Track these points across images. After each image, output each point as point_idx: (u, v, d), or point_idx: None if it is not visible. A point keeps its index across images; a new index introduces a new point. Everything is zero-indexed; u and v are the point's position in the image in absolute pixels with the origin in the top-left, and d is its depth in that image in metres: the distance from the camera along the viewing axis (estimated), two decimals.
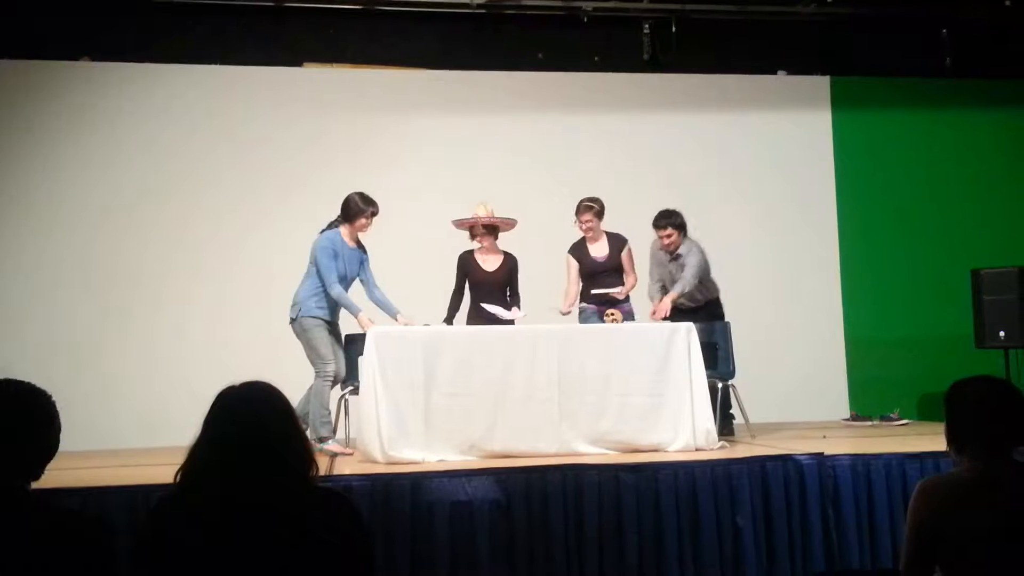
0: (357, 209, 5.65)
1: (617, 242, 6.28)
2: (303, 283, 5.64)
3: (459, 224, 6.19)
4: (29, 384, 2.18)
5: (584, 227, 6.22)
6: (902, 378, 7.87)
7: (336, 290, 5.51)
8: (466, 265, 6.13)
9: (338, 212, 5.78)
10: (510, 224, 6.16)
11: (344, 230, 5.70)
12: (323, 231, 5.73)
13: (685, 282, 6.16)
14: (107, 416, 6.71)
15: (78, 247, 7.27)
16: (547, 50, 8.12)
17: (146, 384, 7.08)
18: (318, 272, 5.54)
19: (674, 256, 6.34)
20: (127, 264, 7.33)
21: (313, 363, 5.52)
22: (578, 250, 6.30)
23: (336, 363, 5.58)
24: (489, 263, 6.14)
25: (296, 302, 5.61)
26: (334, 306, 5.63)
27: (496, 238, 6.15)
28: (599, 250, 6.27)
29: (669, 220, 6.26)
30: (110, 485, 4.24)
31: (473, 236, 6.15)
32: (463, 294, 6.14)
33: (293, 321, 5.60)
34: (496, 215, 6.10)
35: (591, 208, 6.19)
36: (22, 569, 1.91)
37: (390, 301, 5.83)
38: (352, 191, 5.77)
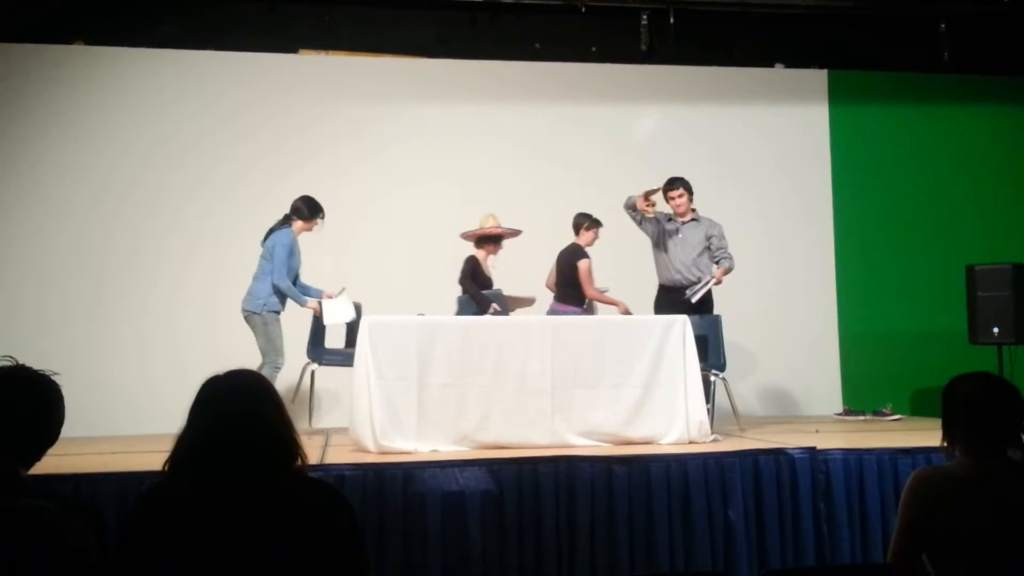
0: (316, 212, 6.11)
1: None
2: (262, 279, 5.96)
3: (467, 236, 6.33)
4: (35, 371, 2.18)
5: (594, 241, 6.47)
6: (895, 373, 7.88)
7: (285, 283, 5.93)
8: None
9: (306, 204, 6.13)
10: (515, 233, 6.33)
11: (298, 227, 6.09)
12: (277, 229, 6.04)
13: (730, 257, 6.36)
14: (99, 403, 6.67)
15: (70, 233, 7.24)
16: (544, 40, 8.10)
17: (139, 371, 7.07)
18: (275, 266, 5.90)
19: (686, 222, 6.39)
20: (120, 250, 7.30)
21: (267, 354, 5.86)
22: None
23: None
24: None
25: (259, 296, 5.93)
26: (284, 300, 6.04)
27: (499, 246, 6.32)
28: None
29: (681, 181, 6.38)
30: (102, 471, 4.24)
31: (479, 245, 6.27)
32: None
33: (255, 314, 5.91)
34: (501, 224, 6.28)
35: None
36: (11, 554, 1.90)
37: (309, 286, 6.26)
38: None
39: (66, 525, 1.70)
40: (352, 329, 5.95)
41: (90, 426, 6.16)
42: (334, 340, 6.37)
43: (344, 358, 5.79)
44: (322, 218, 6.12)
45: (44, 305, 7.10)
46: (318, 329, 6.22)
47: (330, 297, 6.09)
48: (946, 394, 2.57)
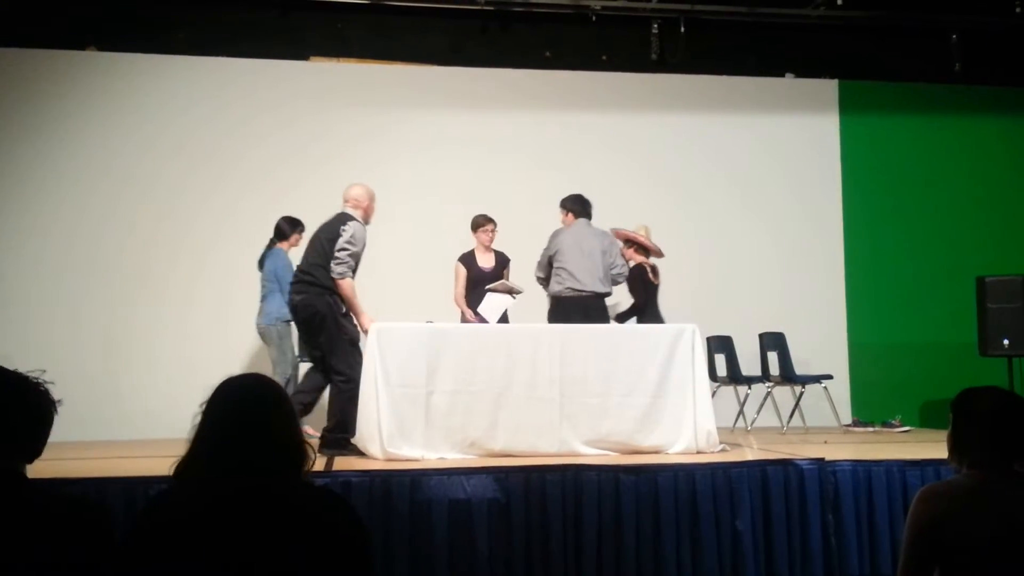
0: (296, 227, 6.61)
1: (501, 258, 6.70)
2: (271, 298, 6.46)
3: (619, 233, 6.65)
4: (22, 374, 2.17)
5: (488, 238, 6.68)
6: (905, 384, 7.86)
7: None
8: None
9: (287, 222, 6.66)
10: (659, 254, 6.76)
11: (286, 245, 6.61)
12: (270, 253, 6.59)
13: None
14: (110, 408, 6.71)
15: (82, 239, 7.27)
16: (555, 48, 8.12)
17: (149, 376, 7.08)
18: (282, 285, 6.29)
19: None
20: (131, 256, 7.32)
21: (277, 364, 6.34)
22: (467, 259, 6.70)
23: None
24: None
25: (271, 312, 6.42)
26: None
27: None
28: (487, 261, 6.68)
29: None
30: (110, 476, 4.23)
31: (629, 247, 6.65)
32: None
33: (270, 327, 6.39)
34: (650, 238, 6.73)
35: (491, 220, 6.71)
36: (20, 551, 1.90)
37: None
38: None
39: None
40: None
41: (101, 430, 6.19)
42: None
43: None
44: (301, 231, 6.50)
45: (55, 311, 7.12)
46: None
47: None
48: (955, 406, 2.56)
